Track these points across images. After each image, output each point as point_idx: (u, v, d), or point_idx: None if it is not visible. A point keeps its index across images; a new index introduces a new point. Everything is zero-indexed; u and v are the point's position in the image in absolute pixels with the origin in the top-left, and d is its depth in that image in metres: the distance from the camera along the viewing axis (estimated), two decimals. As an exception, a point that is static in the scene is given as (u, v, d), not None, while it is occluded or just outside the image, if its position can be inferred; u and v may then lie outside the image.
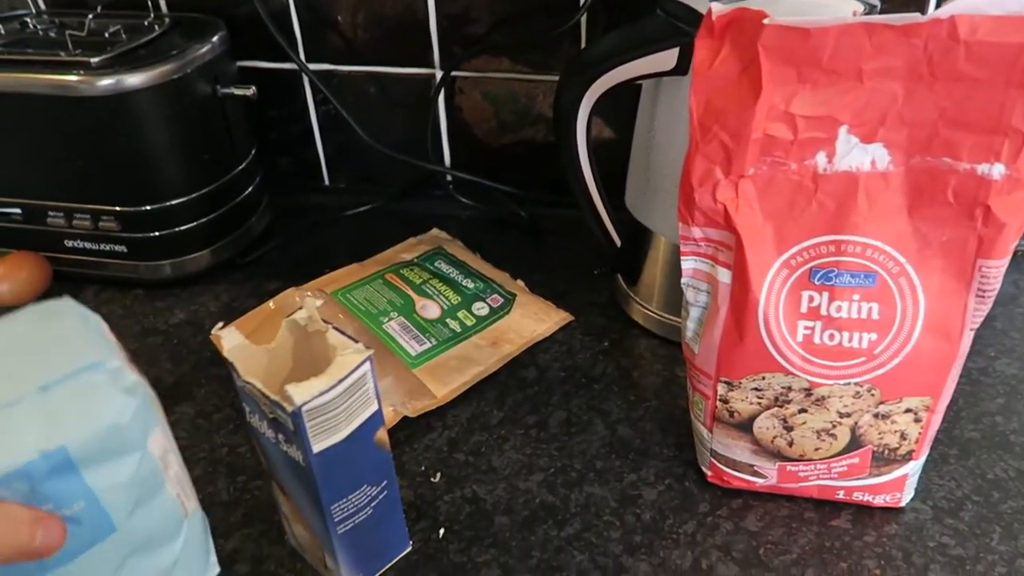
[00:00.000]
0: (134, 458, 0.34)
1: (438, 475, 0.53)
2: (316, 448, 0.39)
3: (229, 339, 0.41)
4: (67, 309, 0.35)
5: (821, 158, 0.41)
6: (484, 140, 0.81)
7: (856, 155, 0.40)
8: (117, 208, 0.69)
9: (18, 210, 0.70)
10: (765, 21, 0.38)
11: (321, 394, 0.38)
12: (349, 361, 0.40)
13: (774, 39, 0.38)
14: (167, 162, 0.68)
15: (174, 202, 0.69)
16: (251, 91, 0.70)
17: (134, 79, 0.63)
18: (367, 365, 0.40)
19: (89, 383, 0.32)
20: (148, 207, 0.69)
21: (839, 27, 0.38)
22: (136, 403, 0.34)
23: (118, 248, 0.71)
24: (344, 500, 0.42)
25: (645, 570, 0.47)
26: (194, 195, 0.70)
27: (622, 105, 0.62)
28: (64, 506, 0.32)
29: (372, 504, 0.44)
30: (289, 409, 0.38)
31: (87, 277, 0.73)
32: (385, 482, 0.45)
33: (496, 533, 0.49)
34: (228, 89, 0.70)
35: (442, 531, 0.49)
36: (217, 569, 0.44)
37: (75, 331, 0.34)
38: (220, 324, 0.42)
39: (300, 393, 0.38)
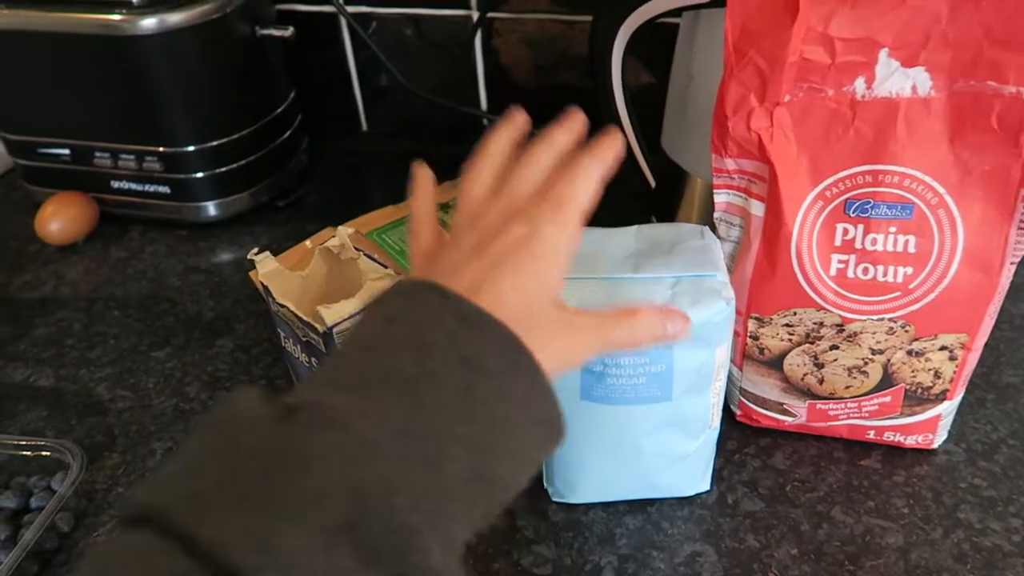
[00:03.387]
0: (705, 354, 0.41)
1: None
2: None
3: (264, 264, 0.42)
4: (706, 232, 0.45)
5: (860, 84, 0.40)
6: (520, 83, 0.80)
7: (896, 80, 0.39)
8: (160, 149, 0.70)
9: (67, 151, 0.72)
10: (803, -63, 0.36)
11: (351, 316, 0.39)
12: (379, 286, 0.40)
13: (812, -45, 0.37)
14: (208, 103, 0.69)
15: (215, 143, 0.70)
16: (288, 31, 0.70)
17: (175, 18, 0.64)
18: None
19: (705, 285, 0.41)
20: (190, 148, 0.70)
21: (882, -58, 0.36)
22: (728, 312, 0.41)
23: (162, 189, 0.72)
24: None
25: (671, 503, 0.47)
26: (234, 136, 0.71)
27: (658, 50, 0.60)
28: (652, 364, 0.40)
29: None
30: (321, 330, 0.38)
31: (133, 218, 0.75)
32: None
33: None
34: (266, 30, 0.70)
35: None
36: (708, 487, 0.47)
37: (706, 248, 0.43)
38: (255, 250, 0.43)
39: (331, 315, 0.38)
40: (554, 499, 0.47)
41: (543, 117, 0.78)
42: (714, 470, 0.48)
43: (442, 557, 0.24)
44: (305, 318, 0.39)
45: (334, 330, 0.38)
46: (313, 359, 0.41)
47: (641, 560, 0.44)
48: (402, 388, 0.26)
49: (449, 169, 0.78)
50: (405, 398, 0.26)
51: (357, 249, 0.43)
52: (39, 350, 0.62)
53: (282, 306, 0.40)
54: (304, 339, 0.41)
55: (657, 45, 0.59)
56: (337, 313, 0.38)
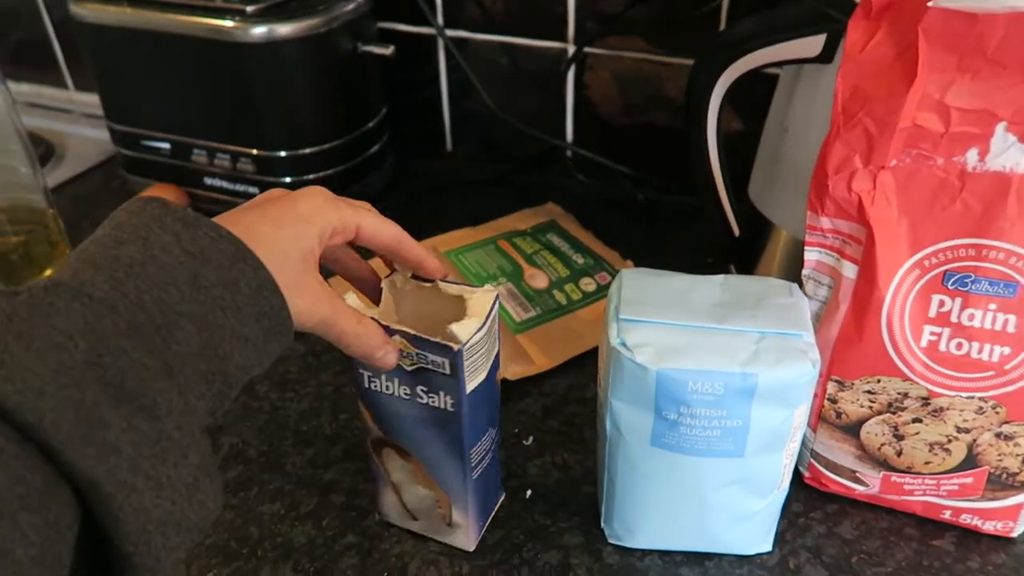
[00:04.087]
0: (784, 414, 0.40)
1: (531, 439, 0.54)
2: (469, 388, 0.40)
3: (349, 301, 0.42)
4: (795, 290, 0.44)
5: (972, 155, 0.39)
6: (608, 119, 0.80)
7: (1012, 155, 0.38)
8: (255, 151, 0.72)
9: (167, 145, 0.75)
10: (929, 3, 0.36)
11: (477, 331, 0.39)
12: (485, 299, 0.40)
13: (937, 23, 0.36)
14: (305, 111, 0.72)
15: (307, 151, 0.73)
16: (390, 50, 0.72)
17: (284, 29, 0.67)
18: (497, 303, 0.41)
19: (791, 344, 0.40)
20: (283, 153, 0.72)
21: (1010, 15, 0.35)
22: (813, 373, 0.40)
23: (252, 190, 0.75)
24: (478, 443, 0.43)
25: (730, 560, 0.46)
26: (325, 146, 0.73)
27: (753, 97, 0.60)
28: (728, 418, 0.40)
29: (491, 448, 0.45)
30: (455, 348, 0.38)
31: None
32: (497, 427, 0.45)
33: (582, 502, 0.49)
34: (368, 47, 0.72)
35: (529, 492, 0.50)
36: (770, 547, 0.46)
37: (794, 306, 0.43)
38: (349, 294, 0.42)
39: (462, 332, 0.38)
40: (610, 540, 0.47)
41: (627, 154, 0.79)
42: (777, 531, 0.47)
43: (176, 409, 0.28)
44: (434, 339, 0.39)
45: (465, 347, 0.38)
46: (420, 387, 0.41)
47: (695, 615, 0.43)
48: (129, 269, 0.29)
49: (530, 196, 0.79)
50: (134, 277, 0.29)
51: (417, 278, 0.42)
52: (122, 334, 0.64)
53: (401, 330, 0.39)
54: (413, 367, 0.40)
55: (753, 94, 0.59)
56: (466, 330, 0.38)
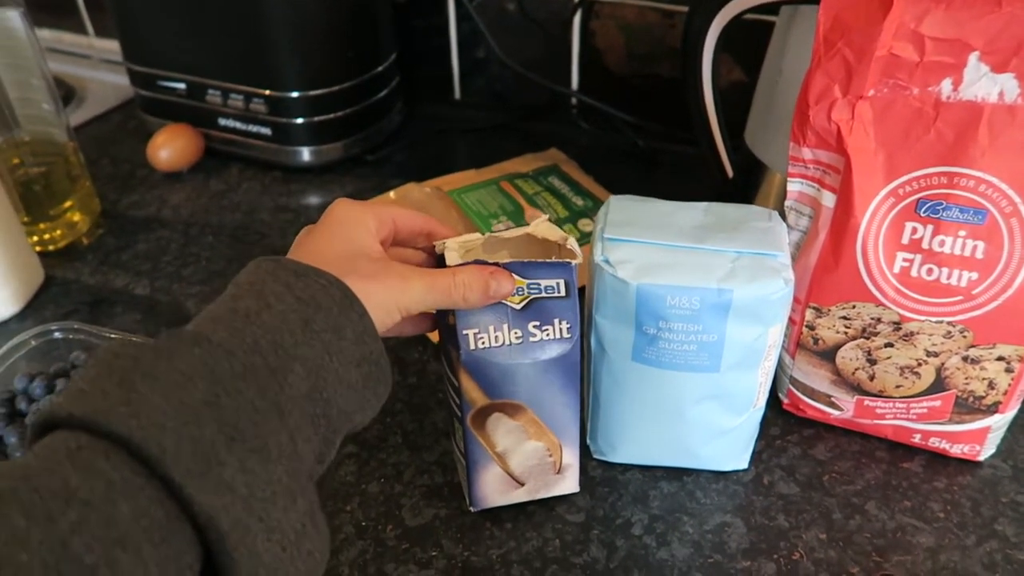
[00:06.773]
0: (758, 331, 0.42)
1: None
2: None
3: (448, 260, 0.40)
4: (774, 216, 0.46)
5: (946, 85, 0.40)
6: (613, 68, 0.82)
7: (984, 84, 0.39)
8: (267, 92, 0.75)
9: (183, 85, 0.78)
10: (906, -67, 0.37)
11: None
12: (547, 226, 0.41)
13: (913, -48, 0.38)
14: (317, 53, 0.73)
15: (317, 92, 0.75)
16: (400, -6, 0.74)
17: (297, -30, 0.68)
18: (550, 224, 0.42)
19: (766, 264, 0.42)
20: (295, 94, 0.74)
21: (984, -55, 0.37)
22: (787, 291, 0.42)
23: (264, 130, 0.77)
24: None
25: (707, 475, 0.49)
26: (335, 88, 0.75)
27: (752, 48, 0.61)
28: (705, 333, 0.42)
29: None
30: (573, 262, 0.40)
31: (234, 155, 0.80)
32: None
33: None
34: (379, -9, 0.74)
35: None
36: (746, 465, 0.48)
37: (771, 230, 0.44)
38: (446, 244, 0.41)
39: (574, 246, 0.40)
40: (595, 456, 0.50)
41: (632, 103, 0.80)
42: (754, 451, 0.49)
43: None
44: (547, 259, 0.38)
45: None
46: (533, 323, 0.39)
47: (671, 522, 0.46)
48: (246, 318, 0.31)
49: (534, 143, 0.81)
50: (250, 325, 0.31)
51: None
52: (139, 262, 0.67)
53: (504, 264, 0.38)
54: (520, 305, 0.39)
55: (751, 43, 0.60)
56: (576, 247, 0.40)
